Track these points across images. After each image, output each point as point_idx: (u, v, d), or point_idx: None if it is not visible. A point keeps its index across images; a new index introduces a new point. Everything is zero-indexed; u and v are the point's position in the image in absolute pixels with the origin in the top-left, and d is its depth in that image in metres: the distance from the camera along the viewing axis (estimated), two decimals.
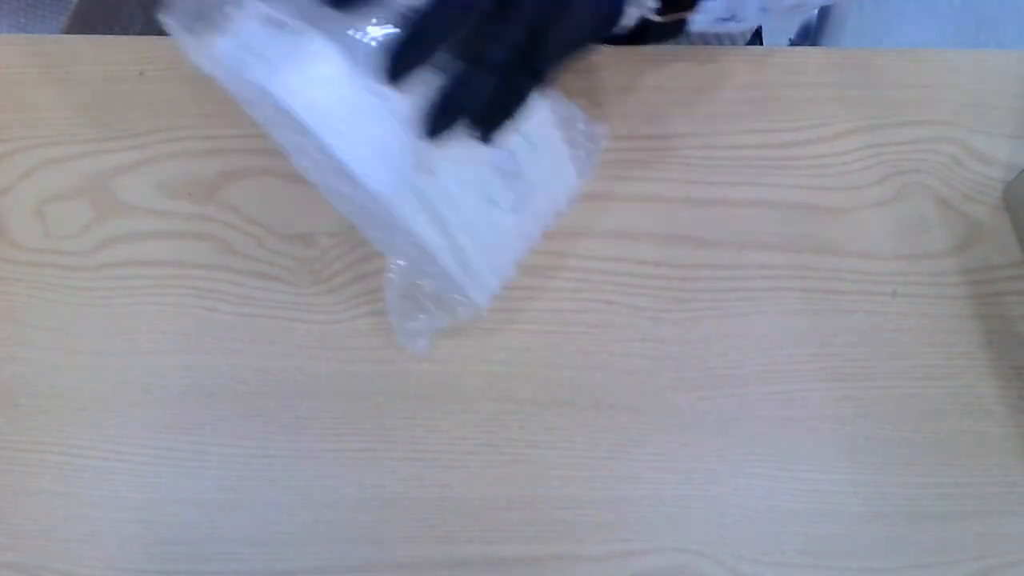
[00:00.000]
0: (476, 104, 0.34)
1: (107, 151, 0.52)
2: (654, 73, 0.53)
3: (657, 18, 0.43)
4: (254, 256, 0.50)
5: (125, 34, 0.71)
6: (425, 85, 0.33)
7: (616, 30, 0.41)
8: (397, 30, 0.32)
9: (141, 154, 0.51)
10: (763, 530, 0.46)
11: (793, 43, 0.84)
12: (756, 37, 0.75)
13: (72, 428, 0.47)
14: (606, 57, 0.52)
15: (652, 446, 0.47)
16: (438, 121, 0.34)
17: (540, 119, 0.40)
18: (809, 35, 0.78)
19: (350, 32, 0.33)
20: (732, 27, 0.48)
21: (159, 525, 0.46)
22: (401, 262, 0.43)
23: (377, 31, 0.33)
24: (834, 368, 0.48)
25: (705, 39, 0.61)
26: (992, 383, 0.48)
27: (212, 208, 0.51)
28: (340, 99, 0.33)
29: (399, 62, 0.32)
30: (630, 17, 0.41)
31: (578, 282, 0.49)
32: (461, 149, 0.35)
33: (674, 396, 0.48)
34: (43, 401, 0.48)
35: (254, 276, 0.49)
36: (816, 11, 0.78)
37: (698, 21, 0.46)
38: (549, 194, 0.44)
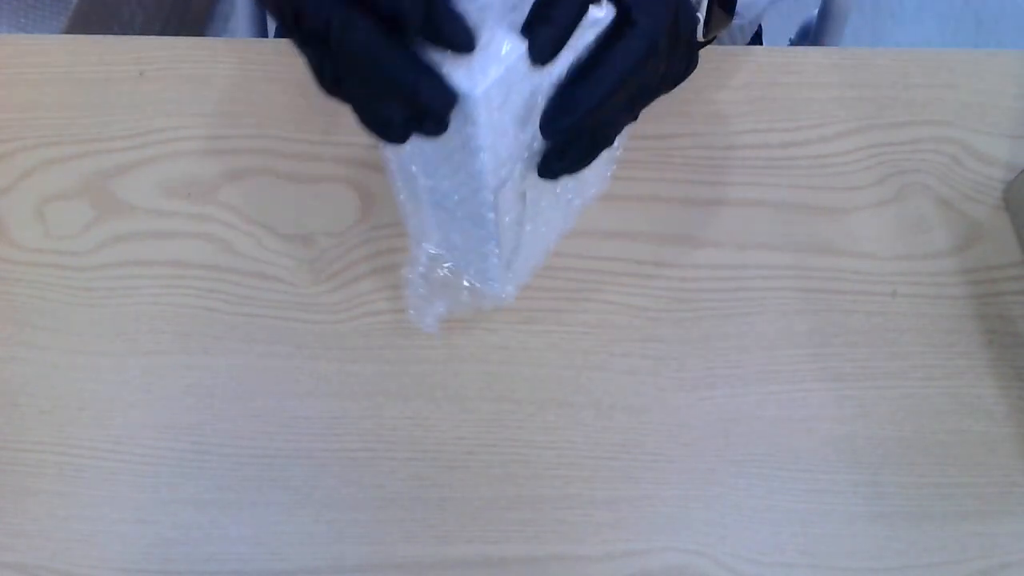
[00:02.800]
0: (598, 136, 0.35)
1: (107, 151, 0.52)
2: None
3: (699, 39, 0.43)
4: (254, 256, 0.50)
5: (125, 34, 0.71)
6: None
7: None
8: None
9: (141, 154, 0.51)
10: (763, 530, 0.46)
11: (793, 43, 0.84)
12: (756, 37, 0.75)
13: (72, 428, 0.47)
14: None
15: (652, 446, 0.47)
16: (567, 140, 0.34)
17: None
18: (809, 35, 0.78)
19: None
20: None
21: (159, 525, 0.46)
22: (432, 250, 0.43)
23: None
24: (834, 368, 0.48)
25: None
26: (992, 383, 0.48)
27: (212, 208, 0.51)
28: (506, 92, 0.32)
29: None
30: None
31: (578, 282, 0.49)
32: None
33: (674, 396, 0.48)
34: (43, 401, 0.48)
35: (254, 276, 0.49)
36: (816, 11, 0.78)
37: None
38: (588, 191, 0.45)
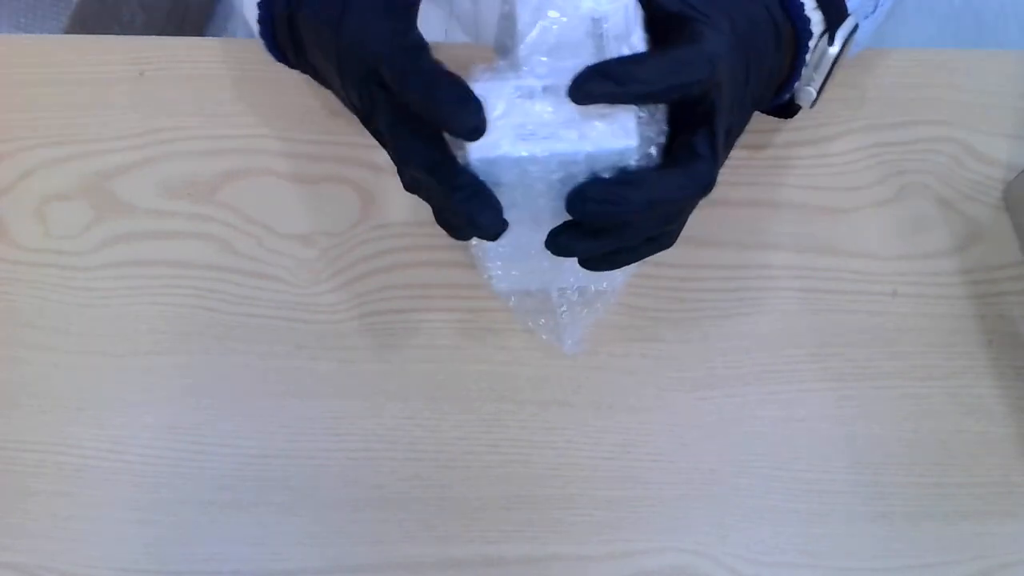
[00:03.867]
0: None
1: (107, 151, 0.51)
2: None
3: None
4: (254, 256, 0.50)
5: (125, 34, 0.71)
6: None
7: None
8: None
9: (141, 154, 0.51)
10: (763, 530, 0.46)
11: None
12: None
13: (72, 428, 0.47)
14: None
15: (652, 446, 0.47)
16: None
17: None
18: None
19: None
20: None
21: (159, 525, 0.46)
22: (560, 286, 0.45)
23: None
24: (834, 368, 0.48)
25: None
26: (992, 383, 0.48)
27: (212, 208, 0.51)
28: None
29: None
30: None
31: None
32: None
33: (674, 396, 0.48)
34: (43, 401, 0.48)
35: (254, 276, 0.49)
36: None
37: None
38: None
